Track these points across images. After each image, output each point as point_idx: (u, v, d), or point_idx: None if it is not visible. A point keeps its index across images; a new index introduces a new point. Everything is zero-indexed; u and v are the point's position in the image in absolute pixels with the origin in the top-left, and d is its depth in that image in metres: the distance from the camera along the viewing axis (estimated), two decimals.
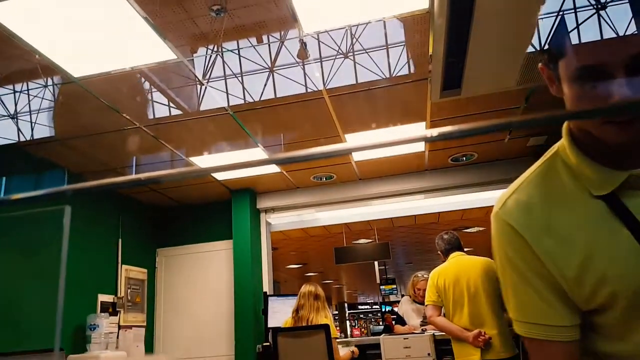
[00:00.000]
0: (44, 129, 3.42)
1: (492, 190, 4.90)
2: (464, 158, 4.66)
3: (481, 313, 3.15)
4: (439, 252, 3.59)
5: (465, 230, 8.64)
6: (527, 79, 2.87)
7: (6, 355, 2.51)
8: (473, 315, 3.16)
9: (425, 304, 3.50)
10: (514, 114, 3.71)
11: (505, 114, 3.68)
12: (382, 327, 4.76)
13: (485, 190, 4.92)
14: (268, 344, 4.44)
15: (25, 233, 3.24)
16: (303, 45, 2.71)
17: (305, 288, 3.80)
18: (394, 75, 3.02)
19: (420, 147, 4.19)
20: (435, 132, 0.43)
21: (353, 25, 2.62)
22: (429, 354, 3.61)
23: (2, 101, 3.07)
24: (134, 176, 0.83)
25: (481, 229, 8.68)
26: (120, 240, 4.68)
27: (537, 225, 0.79)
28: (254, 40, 2.75)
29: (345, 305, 19.60)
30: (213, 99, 3.20)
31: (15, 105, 3.13)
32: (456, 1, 2.22)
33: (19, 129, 3.36)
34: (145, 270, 5.09)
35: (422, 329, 4.02)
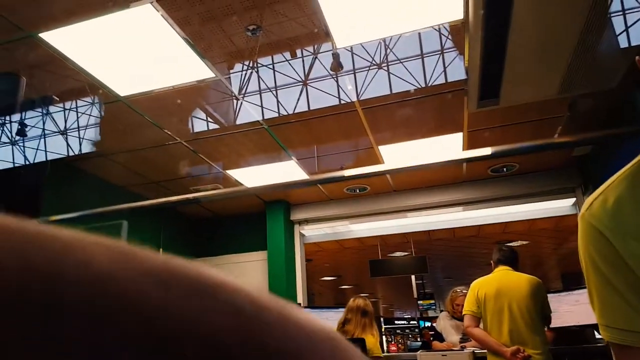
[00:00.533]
0: (90, 145, 3.59)
1: (535, 202, 4.72)
2: (505, 169, 4.52)
3: (521, 331, 3.02)
4: (492, 261, 3.45)
5: (508, 244, 8.35)
6: (570, 87, 2.76)
7: None
8: (512, 332, 3.04)
9: (463, 313, 3.38)
10: (556, 123, 3.57)
11: (547, 123, 3.55)
12: (420, 343, 4.64)
13: (528, 202, 4.74)
14: None
15: None
16: (336, 58, 2.73)
17: (354, 302, 3.64)
18: (429, 85, 2.98)
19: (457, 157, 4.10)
20: (480, 152, 0.42)
21: (387, 36, 2.62)
22: None
23: (54, 118, 3.26)
24: (182, 196, 0.86)
25: (524, 242, 8.36)
26: (161, 250, 4.82)
27: (625, 228, 0.76)
28: (287, 55, 2.79)
29: (382, 319, 19.26)
30: (248, 113, 3.27)
31: (65, 122, 3.31)
32: (492, 9, 2.18)
33: (68, 144, 3.55)
34: None
35: (461, 346, 3.89)
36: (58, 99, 2.96)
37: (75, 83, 2.76)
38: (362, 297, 3.71)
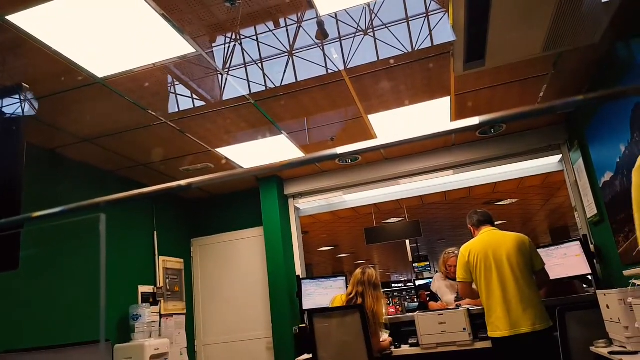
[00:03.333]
0: (73, 131, 3.53)
1: (523, 161, 4.78)
2: (492, 130, 4.55)
3: (512, 288, 3.13)
4: (470, 226, 3.57)
5: (498, 203, 8.49)
6: (554, 44, 2.75)
7: (56, 347, 2.65)
8: (504, 289, 3.14)
9: (457, 280, 3.51)
10: (541, 82, 3.58)
11: (533, 81, 3.55)
12: (417, 304, 4.77)
13: (517, 162, 4.80)
14: (304, 325, 4.52)
15: (70, 238, 3.38)
16: (321, 25, 2.67)
17: (365, 275, 3.72)
18: (415, 49, 2.95)
19: (446, 122, 4.11)
20: (475, 120, 0.42)
21: (372, 1, 2.57)
22: (464, 329, 3.61)
23: (32, 104, 3.18)
24: (174, 183, 0.85)
25: (514, 200, 8.50)
26: (155, 232, 4.83)
27: None
28: (271, 25, 2.73)
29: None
30: (234, 88, 3.22)
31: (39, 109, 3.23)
32: None
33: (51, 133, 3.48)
34: (182, 260, 5.24)
35: (456, 305, 4.00)
36: (28, 87, 2.87)
37: (49, 67, 2.68)
38: (370, 268, 3.79)
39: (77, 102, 3.11)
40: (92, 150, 3.88)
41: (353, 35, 2.84)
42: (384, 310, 3.78)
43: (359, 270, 3.81)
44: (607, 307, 2.69)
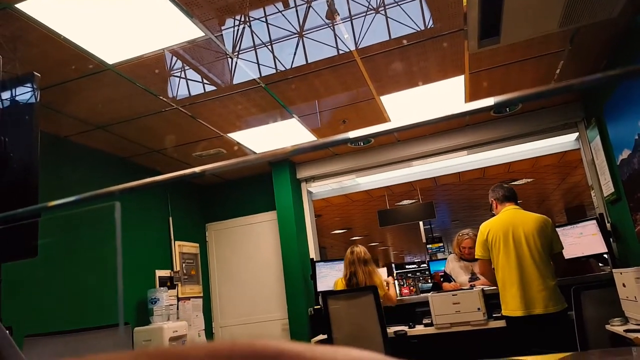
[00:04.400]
0: (86, 118, 3.55)
1: (538, 140, 4.69)
2: (507, 109, 4.46)
3: (529, 268, 3.11)
4: (492, 200, 3.47)
5: (513, 183, 8.39)
6: (571, 19, 2.67)
7: (77, 331, 2.72)
8: (521, 268, 3.14)
9: (476, 257, 3.50)
10: (558, 59, 3.49)
11: (550, 58, 3.46)
12: (431, 284, 4.77)
13: (532, 141, 4.71)
14: (319, 307, 4.57)
15: (87, 226, 3.44)
16: (331, 4, 2.63)
17: (353, 255, 3.86)
18: (428, 27, 2.89)
19: (460, 103, 4.04)
20: (490, 101, 0.40)
21: None
22: (479, 309, 3.61)
23: (36, 95, 3.20)
24: (189, 170, 0.85)
25: (529, 180, 8.40)
26: (170, 218, 4.89)
27: None
28: (280, 6, 2.69)
29: (393, 265, 19.76)
30: (244, 72, 3.20)
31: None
32: None
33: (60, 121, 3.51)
34: (197, 245, 5.31)
35: (470, 285, 4.00)
36: (40, 75, 2.88)
37: (59, 54, 2.69)
38: (357, 246, 3.90)
39: (88, 89, 3.13)
40: (105, 138, 3.91)
41: (364, 14, 2.79)
42: (380, 280, 3.82)
43: (348, 251, 3.89)
44: (623, 285, 2.66)
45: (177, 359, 0.16)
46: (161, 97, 3.36)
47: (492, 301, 3.59)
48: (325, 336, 3.82)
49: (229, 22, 2.71)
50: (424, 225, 9.77)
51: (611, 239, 3.98)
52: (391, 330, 3.78)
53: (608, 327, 2.79)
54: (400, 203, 8.84)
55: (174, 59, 2.96)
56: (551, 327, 3.05)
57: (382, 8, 2.76)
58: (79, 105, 3.35)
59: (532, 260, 3.12)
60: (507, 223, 3.27)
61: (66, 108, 3.35)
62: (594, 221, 3.99)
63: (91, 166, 4.04)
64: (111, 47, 2.71)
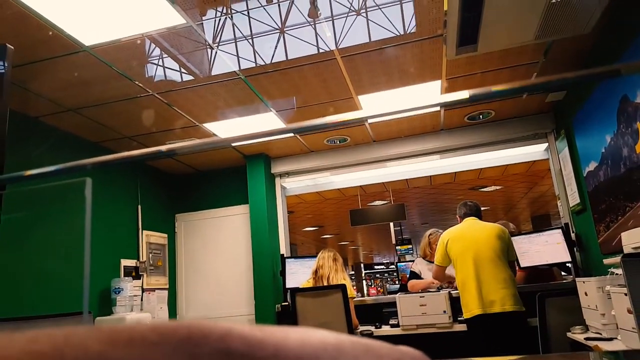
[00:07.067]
0: (58, 99, 3.44)
1: (509, 148, 4.82)
2: (481, 116, 4.57)
3: (486, 269, 3.29)
4: (457, 217, 3.71)
5: (482, 190, 8.60)
6: (546, 33, 2.75)
7: (38, 318, 2.64)
8: (478, 270, 3.30)
9: (434, 263, 3.66)
10: (532, 70, 3.59)
11: (524, 68, 3.56)
12: (398, 286, 4.84)
13: (503, 149, 4.84)
14: (287, 303, 4.57)
15: (51, 203, 3.33)
16: (313, 2, 2.63)
17: (324, 252, 4.06)
18: (408, 32, 2.93)
19: (436, 106, 4.10)
20: (461, 94, 0.41)
21: None
22: (444, 311, 3.68)
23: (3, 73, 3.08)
24: (154, 148, 0.83)
25: (498, 187, 8.61)
26: (139, 206, 4.79)
27: None
28: (263, 0, 2.67)
29: (362, 265, 19.94)
30: (224, 63, 3.16)
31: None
32: None
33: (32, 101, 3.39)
34: (166, 235, 5.22)
35: (441, 285, 4.05)
36: (13, 48, 2.78)
37: (36, 34, 2.59)
38: (331, 249, 4.14)
39: (62, 70, 3.03)
40: (77, 121, 3.80)
41: (346, 15, 2.80)
42: (346, 283, 3.87)
43: (321, 251, 4.12)
44: (586, 294, 2.76)
45: (128, 336, 0.16)
46: (137, 83, 3.29)
47: (457, 304, 3.67)
48: None
49: (211, 12, 2.68)
50: (394, 227, 9.91)
51: (575, 249, 4.13)
52: (358, 330, 3.82)
53: (569, 334, 2.89)
54: (373, 203, 8.92)
55: (153, 45, 2.90)
56: (509, 326, 3.15)
57: (364, 10, 2.78)
58: (52, 85, 3.24)
59: (490, 262, 3.28)
60: (465, 230, 3.50)
61: (38, 87, 3.24)
62: (560, 230, 4.13)
63: (61, 149, 3.92)
64: (89, 29, 2.63)
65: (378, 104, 3.99)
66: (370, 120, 4.38)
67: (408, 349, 0.23)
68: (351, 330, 3.60)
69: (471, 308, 3.26)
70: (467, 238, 3.42)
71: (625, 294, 2.02)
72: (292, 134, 4.52)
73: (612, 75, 0.58)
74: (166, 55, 3.05)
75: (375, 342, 0.21)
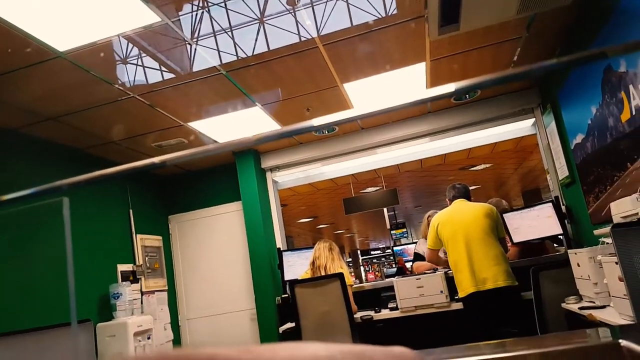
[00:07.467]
0: (36, 109, 3.37)
1: (498, 125, 4.83)
2: (467, 96, 4.56)
3: (477, 246, 3.32)
4: (447, 200, 3.73)
5: (473, 169, 8.63)
6: (527, 6, 2.74)
7: (25, 332, 2.60)
8: (469, 249, 3.35)
9: (427, 247, 3.70)
10: (515, 45, 3.58)
11: (507, 45, 3.55)
12: (395, 269, 4.87)
13: (491, 127, 4.85)
14: (287, 295, 4.57)
15: (35, 223, 3.28)
16: None
17: (320, 244, 4.12)
18: (389, 14, 2.89)
19: (422, 90, 4.09)
20: (451, 87, 0.40)
21: None
22: (441, 291, 3.72)
23: None
24: (147, 161, 0.80)
25: (488, 165, 8.66)
26: (130, 210, 4.74)
27: None
28: None
29: (358, 252, 20.05)
30: (204, 58, 3.11)
31: None
32: None
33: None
34: (160, 237, 5.18)
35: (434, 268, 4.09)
36: None
37: (6, 43, 2.52)
38: (327, 240, 4.20)
39: (38, 78, 2.96)
40: (58, 129, 3.73)
41: (325, 1, 2.76)
42: (343, 271, 3.89)
43: (317, 242, 4.18)
44: (578, 265, 2.79)
45: None
46: (117, 86, 3.23)
47: (454, 284, 3.70)
48: (293, 324, 3.83)
49: (187, 7, 2.62)
50: (388, 212, 9.94)
51: (566, 221, 4.17)
52: (357, 315, 3.84)
53: (564, 305, 2.93)
54: (365, 190, 8.93)
55: (130, 45, 2.84)
56: (503, 301, 3.20)
57: None
58: (28, 95, 3.16)
59: (480, 239, 3.33)
60: (455, 212, 3.54)
61: (13, 99, 3.16)
62: (550, 204, 4.16)
63: (43, 158, 3.84)
64: (62, 33, 2.56)
65: (364, 91, 3.96)
66: (358, 112, 4.35)
67: (402, 350, 0.21)
68: (351, 316, 3.62)
69: (465, 287, 3.30)
70: (457, 220, 3.46)
71: (616, 263, 2.04)
72: (280, 129, 4.48)
73: (599, 58, 0.56)
74: (145, 55, 2.99)
75: (368, 348, 0.20)
